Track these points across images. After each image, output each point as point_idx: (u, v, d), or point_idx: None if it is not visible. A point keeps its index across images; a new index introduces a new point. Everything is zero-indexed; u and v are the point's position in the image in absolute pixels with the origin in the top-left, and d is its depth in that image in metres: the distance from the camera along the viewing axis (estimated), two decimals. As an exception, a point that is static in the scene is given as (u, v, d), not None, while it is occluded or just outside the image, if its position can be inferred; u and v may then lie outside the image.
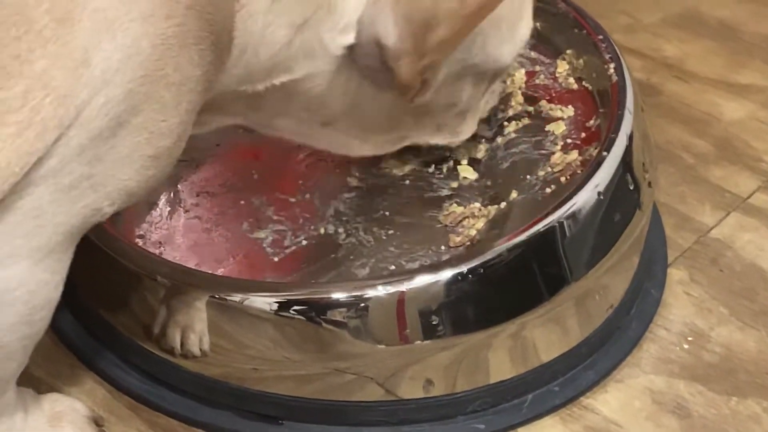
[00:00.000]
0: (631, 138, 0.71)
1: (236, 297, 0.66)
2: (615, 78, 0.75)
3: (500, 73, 0.74)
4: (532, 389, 0.69)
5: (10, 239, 0.56)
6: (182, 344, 0.68)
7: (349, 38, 0.64)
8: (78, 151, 0.56)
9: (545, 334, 0.68)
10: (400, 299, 0.64)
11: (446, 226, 0.72)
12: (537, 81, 0.80)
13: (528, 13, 0.72)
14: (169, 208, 0.74)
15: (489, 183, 0.74)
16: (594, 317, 0.70)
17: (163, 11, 0.57)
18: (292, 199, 0.74)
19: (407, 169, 0.75)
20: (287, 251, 0.71)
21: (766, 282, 0.77)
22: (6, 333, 0.59)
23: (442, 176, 0.75)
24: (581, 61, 0.78)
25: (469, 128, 0.75)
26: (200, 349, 0.67)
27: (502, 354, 0.68)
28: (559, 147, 0.74)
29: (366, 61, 0.66)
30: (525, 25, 0.72)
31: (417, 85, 0.66)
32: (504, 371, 0.67)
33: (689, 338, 0.73)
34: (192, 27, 0.58)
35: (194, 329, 0.67)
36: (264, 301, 0.65)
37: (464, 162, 0.75)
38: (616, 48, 0.77)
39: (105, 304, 0.69)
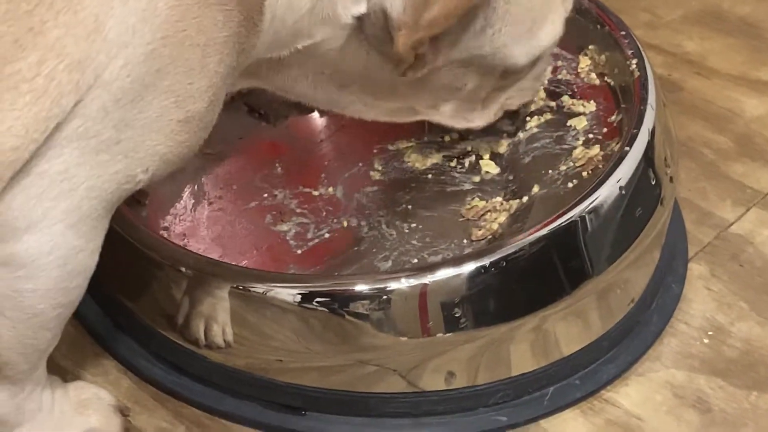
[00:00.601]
0: (653, 133, 0.71)
1: (260, 288, 0.66)
2: (637, 73, 0.75)
3: (514, 72, 0.73)
4: (553, 382, 0.69)
5: (41, 203, 0.56)
6: (206, 335, 0.68)
7: (361, 8, 0.64)
8: (102, 114, 0.56)
9: (566, 328, 0.68)
10: (423, 292, 0.64)
11: (468, 219, 0.72)
12: (559, 76, 0.80)
13: (556, 21, 0.71)
14: (193, 201, 0.74)
15: (511, 177, 0.74)
16: (615, 311, 0.70)
17: None
18: (315, 193, 0.74)
19: (429, 163, 0.75)
20: (310, 244, 0.71)
21: None
22: (41, 300, 0.59)
23: (464, 170, 0.75)
24: (603, 56, 0.78)
25: (482, 118, 0.75)
26: (224, 340, 0.68)
27: (523, 347, 0.68)
28: (580, 142, 0.74)
29: (373, 30, 0.66)
30: (548, 32, 0.71)
31: (410, 59, 0.66)
32: (525, 364, 0.68)
33: (709, 333, 0.73)
34: None
35: (217, 320, 0.67)
36: (287, 293, 0.65)
37: (486, 156, 0.75)
38: (639, 44, 0.76)
39: (130, 295, 0.69)
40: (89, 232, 0.59)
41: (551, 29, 0.70)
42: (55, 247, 0.58)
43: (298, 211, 0.73)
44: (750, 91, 0.91)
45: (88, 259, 0.60)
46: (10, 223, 0.56)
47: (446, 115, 0.75)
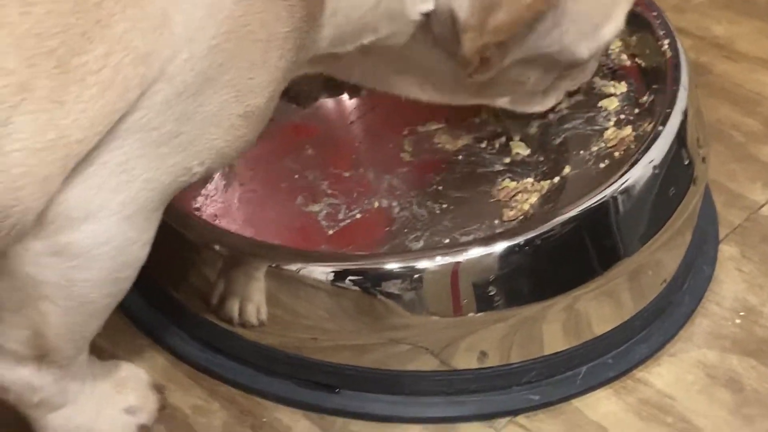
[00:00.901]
0: (685, 114, 0.71)
1: (293, 267, 0.66)
2: (669, 54, 0.75)
3: (579, 65, 0.73)
4: (585, 361, 0.69)
5: (100, 194, 0.57)
6: (240, 314, 0.69)
7: (428, 5, 0.64)
8: (164, 107, 0.57)
9: (598, 308, 0.69)
10: (455, 271, 0.65)
11: (499, 200, 0.72)
12: (590, 57, 0.81)
13: (618, 16, 0.71)
14: (224, 182, 0.74)
15: (542, 158, 0.74)
16: (647, 292, 0.71)
17: None
18: (346, 174, 0.74)
19: (460, 144, 0.75)
20: (341, 224, 0.71)
21: None
22: (92, 289, 0.59)
23: (494, 152, 0.75)
24: (634, 38, 0.78)
25: (543, 104, 0.75)
26: (258, 319, 0.68)
27: (555, 326, 0.69)
28: (612, 123, 0.74)
29: (439, 28, 0.65)
30: (611, 27, 0.70)
31: (476, 63, 0.66)
32: (558, 343, 0.68)
33: (741, 313, 0.73)
34: None
35: (252, 299, 0.68)
36: (321, 271, 0.66)
37: (517, 138, 0.74)
38: (670, 25, 0.76)
39: (165, 275, 0.70)
40: (143, 224, 0.60)
41: (615, 24, 0.70)
42: (111, 238, 0.58)
43: (329, 192, 0.73)
44: None
45: (141, 251, 0.60)
46: (67, 213, 0.57)
47: (505, 102, 0.75)
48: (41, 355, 0.62)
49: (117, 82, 0.55)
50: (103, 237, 0.58)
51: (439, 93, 0.73)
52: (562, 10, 0.66)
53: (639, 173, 0.67)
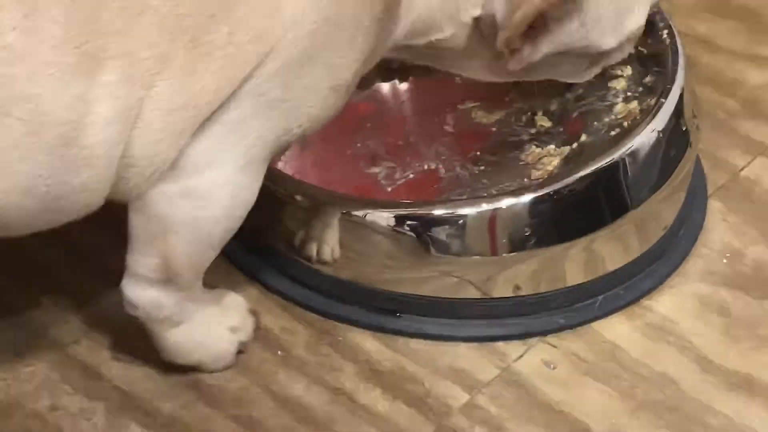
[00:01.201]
0: (682, 90, 0.71)
1: (361, 213, 0.67)
2: (668, 40, 0.74)
3: (608, 53, 0.71)
4: (601, 292, 0.70)
5: (220, 146, 0.58)
6: (318, 253, 0.69)
7: (477, 11, 0.65)
8: (272, 77, 0.58)
9: (611, 249, 0.69)
10: (492, 217, 0.65)
11: (528, 163, 0.72)
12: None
13: (642, 10, 0.69)
14: (300, 148, 0.74)
15: (561, 129, 0.74)
16: (651, 236, 0.71)
17: None
18: (400, 143, 0.75)
19: (493, 118, 0.75)
20: (398, 183, 0.72)
21: None
22: (212, 226, 0.61)
23: (522, 124, 0.75)
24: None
25: (583, 77, 0.72)
26: (332, 257, 0.69)
27: (576, 263, 0.68)
28: (620, 99, 0.74)
29: (485, 28, 0.66)
30: (634, 20, 0.69)
31: (508, 54, 0.66)
32: (578, 277, 0.69)
33: (727, 255, 0.73)
34: None
35: (327, 241, 0.68)
36: (383, 217, 0.66)
37: (540, 113, 0.75)
38: (668, 18, 0.76)
39: (257, 223, 0.67)
40: (253, 173, 0.61)
41: (637, 18, 0.69)
42: (227, 183, 0.60)
43: (387, 157, 0.74)
44: (752, 64, 0.88)
45: (250, 196, 0.62)
46: (194, 162, 0.58)
47: (549, 75, 0.74)
48: (167, 279, 0.63)
49: (237, 56, 0.56)
50: (221, 182, 0.59)
51: (494, 74, 0.72)
52: (586, 12, 0.65)
53: (644, 139, 0.68)
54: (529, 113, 0.75)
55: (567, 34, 0.66)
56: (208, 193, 0.60)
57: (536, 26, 0.64)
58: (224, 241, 0.63)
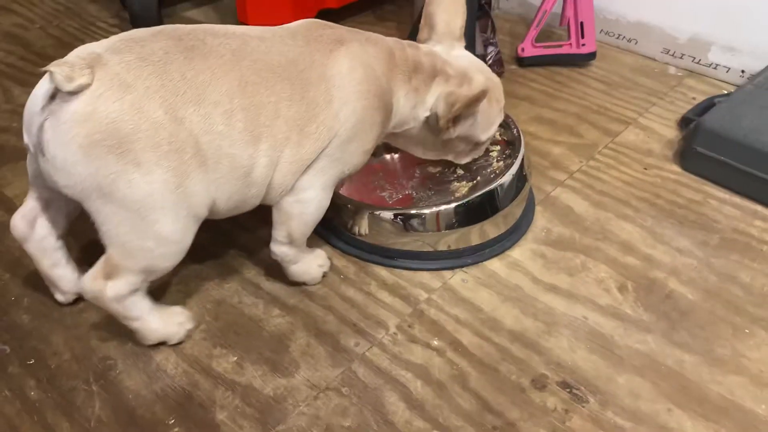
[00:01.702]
0: (523, 156, 0.79)
1: (377, 212, 0.74)
2: (515, 132, 0.82)
3: (481, 143, 0.74)
4: (487, 248, 0.76)
5: (312, 179, 0.64)
6: (358, 230, 0.76)
7: (427, 112, 0.68)
8: (336, 146, 0.63)
9: (491, 228, 0.77)
10: (437, 213, 0.73)
11: (452, 190, 0.78)
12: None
13: (496, 123, 0.73)
14: (347, 183, 0.79)
15: (468, 175, 0.80)
16: (509, 222, 0.78)
17: (368, 100, 0.62)
18: (394, 181, 0.81)
19: (437, 170, 0.82)
20: (394, 199, 0.78)
21: (577, 216, 0.81)
22: (311, 216, 0.66)
23: (451, 173, 0.81)
24: (501, 129, 0.83)
25: (465, 160, 0.78)
26: (364, 232, 0.76)
27: (476, 235, 0.74)
28: (495, 161, 0.81)
29: (431, 121, 0.69)
30: (494, 128, 0.74)
31: (445, 130, 0.69)
32: (477, 241, 0.76)
33: (544, 232, 0.80)
34: (378, 104, 0.63)
35: (362, 225, 0.75)
36: (387, 214, 0.74)
37: (458, 168, 0.81)
38: (514, 120, 0.83)
39: (330, 216, 0.73)
40: (328, 192, 0.66)
41: (494, 127, 0.74)
42: (316, 197, 0.65)
43: (388, 188, 0.80)
44: (555, 144, 0.94)
45: (327, 203, 0.67)
46: (301, 186, 0.63)
47: (451, 158, 0.76)
48: (290, 241, 0.68)
49: (320, 138, 0.61)
50: (314, 197, 0.65)
51: (428, 153, 0.75)
52: (476, 119, 0.70)
53: (506, 179, 0.76)
54: (452, 168, 0.81)
55: (467, 127, 0.70)
56: (308, 201, 0.64)
57: (455, 121, 0.69)
58: (316, 223, 0.67)
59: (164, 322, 0.64)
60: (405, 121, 0.68)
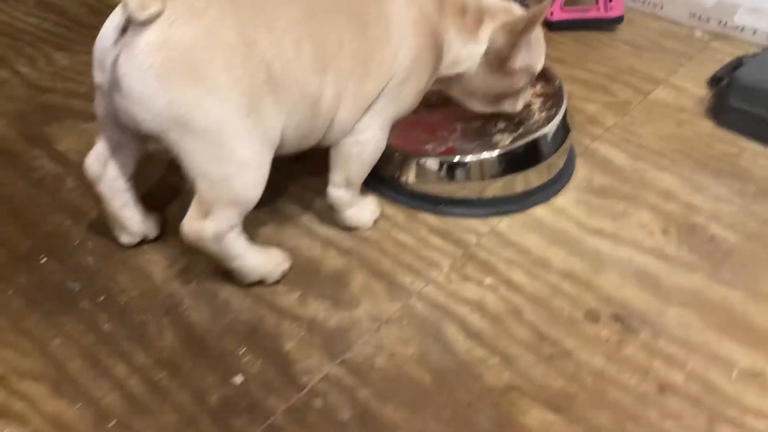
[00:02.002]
0: (566, 109, 0.79)
1: (423, 159, 0.75)
2: (558, 86, 0.83)
3: (534, 76, 0.73)
4: (531, 195, 0.76)
5: (372, 120, 0.65)
6: (405, 179, 0.77)
7: (483, 46, 0.68)
8: (393, 87, 0.64)
9: (535, 177, 0.78)
10: (482, 162, 0.74)
11: (496, 141, 0.78)
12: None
13: (543, 55, 0.73)
14: (400, 129, 0.77)
15: (511, 126, 0.80)
16: (552, 172, 0.80)
17: (423, 39, 0.62)
18: (438, 134, 0.80)
19: (479, 124, 0.81)
20: (438, 150, 0.78)
21: (616, 167, 0.82)
22: (369, 155, 0.68)
23: (492, 125, 0.81)
24: (542, 81, 0.84)
25: (520, 105, 0.77)
26: (411, 180, 0.77)
27: (520, 183, 0.76)
28: (536, 113, 0.81)
29: (490, 54, 0.69)
30: (542, 60, 0.73)
31: (506, 61, 0.68)
32: (521, 189, 0.77)
33: (586, 182, 0.81)
34: (431, 43, 0.63)
35: (409, 174, 0.77)
36: (432, 162, 0.75)
37: (500, 121, 0.81)
38: (555, 73, 0.84)
39: (380, 165, 0.72)
40: (386, 133, 0.68)
41: (544, 56, 0.74)
42: (375, 137, 0.67)
43: (432, 140, 0.79)
44: (588, 101, 0.95)
45: (384, 144, 0.68)
46: (360, 127, 0.65)
47: (508, 106, 0.76)
48: (347, 184, 0.69)
49: (382, 76, 0.62)
50: (372, 137, 0.66)
51: (483, 101, 0.75)
52: (531, 45, 0.69)
53: (550, 128, 0.76)
54: (494, 122, 0.81)
55: (525, 56, 0.70)
56: (367, 142, 0.66)
57: (515, 50, 0.68)
58: (372, 165, 0.69)
59: (263, 261, 0.65)
60: (457, 61, 0.68)
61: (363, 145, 0.66)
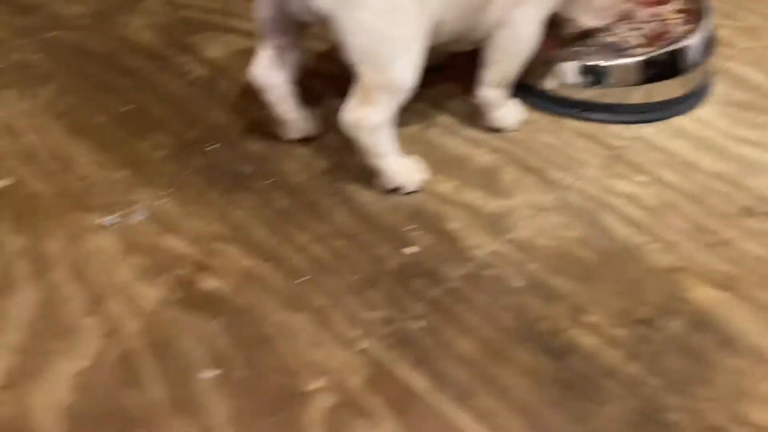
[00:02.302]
0: (710, 22, 0.78)
1: (567, 64, 0.75)
2: (702, 2, 0.80)
3: None
4: (673, 105, 0.77)
5: (529, 14, 0.67)
6: (548, 85, 0.78)
7: None
8: None
9: (677, 88, 0.77)
10: (625, 66, 0.74)
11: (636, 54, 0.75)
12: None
13: None
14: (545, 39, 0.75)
15: (648, 41, 0.77)
16: (694, 84, 0.79)
17: None
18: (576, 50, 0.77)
19: (615, 38, 0.78)
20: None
21: (755, 84, 0.80)
22: (523, 51, 0.70)
23: (629, 38, 0.78)
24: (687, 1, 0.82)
25: (601, 21, 0.76)
26: (555, 86, 0.77)
27: (662, 92, 0.76)
28: (681, 26, 0.78)
29: None
30: None
31: None
32: (663, 97, 0.77)
33: (723, 96, 0.80)
34: None
35: (551, 80, 0.77)
36: (576, 66, 0.75)
37: (637, 39, 0.77)
38: None
39: (528, 71, 0.75)
40: (539, 27, 0.70)
41: None
42: (530, 31, 0.69)
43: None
44: (718, 27, 0.87)
45: (537, 38, 0.70)
46: (517, 20, 0.67)
47: (587, 21, 0.75)
48: (500, 82, 0.71)
49: None
50: (527, 30, 0.68)
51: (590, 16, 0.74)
52: None
53: (693, 41, 0.76)
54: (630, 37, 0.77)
55: None
56: (522, 34, 0.68)
57: None
58: (526, 61, 0.70)
59: (406, 167, 0.66)
60: None
61: (519, 39, 0.68)
